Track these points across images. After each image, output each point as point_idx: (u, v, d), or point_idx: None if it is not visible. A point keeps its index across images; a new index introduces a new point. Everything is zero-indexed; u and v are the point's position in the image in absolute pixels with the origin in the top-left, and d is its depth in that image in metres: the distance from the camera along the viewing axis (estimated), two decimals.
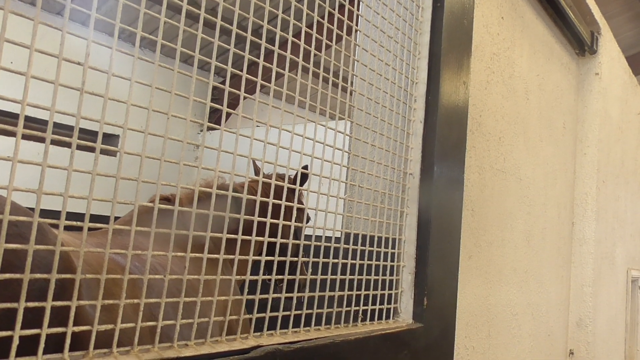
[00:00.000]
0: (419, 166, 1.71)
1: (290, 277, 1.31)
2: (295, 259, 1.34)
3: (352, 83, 1.57)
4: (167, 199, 2.13)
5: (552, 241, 3.11)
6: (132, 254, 1.01)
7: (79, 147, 0.86)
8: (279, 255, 1.28)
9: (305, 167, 2.55)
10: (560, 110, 3.23)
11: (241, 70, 1.14)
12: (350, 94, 1.62)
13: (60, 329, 0.88)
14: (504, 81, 2.45)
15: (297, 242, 1.34)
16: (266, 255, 1.27)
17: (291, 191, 3.04)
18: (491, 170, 2.35)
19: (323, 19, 1.34)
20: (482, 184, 2.26)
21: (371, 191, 1.62)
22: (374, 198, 1.63)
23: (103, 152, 0.94)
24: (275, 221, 1.23)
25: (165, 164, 1.02)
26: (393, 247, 1.67)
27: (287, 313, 1.28)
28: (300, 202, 3.15)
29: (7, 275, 0.80)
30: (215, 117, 6.99)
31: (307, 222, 3.04)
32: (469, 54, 1.94)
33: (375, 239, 1.65)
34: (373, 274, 1.59)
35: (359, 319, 1.50)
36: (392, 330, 1.48)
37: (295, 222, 1.38)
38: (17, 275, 0.82)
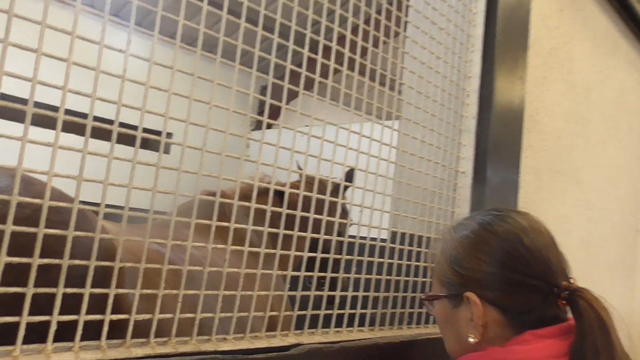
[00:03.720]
0: (471, 164, 1.63)
1: (333, 274, 1.26)
2: (339, 256, 1.30)
3: (401, 76, 1.52)
4: (213, 194, 2.13)
5: (614, 249, 2.92)
6: (172, 244, 1.00)
7: (125, 142, 0.86)
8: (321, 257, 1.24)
9: (351, 172, 2.52)
10: (626, 109, 3.03)
11: (287, 70, 1.11)
12: (399, 92, 1.56)
13: (98, 317, 0.87)
14: (563, 77, 2.32)
15: (340, 239, 1.30)
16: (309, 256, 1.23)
17: (336, 195, 3.00)
18: (548, 172, 2.22)
19: (370, 8, 1.30)
20: (538, 185, 2.13)
21: (420, 189, 1.55)
22: (422, 196, 1.57)
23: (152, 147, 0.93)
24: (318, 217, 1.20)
25: (212, 160, 1.01)
26: None
27: (330, 312, 1.23)
28: (343, 207, 3.11)
29: (47, 261, 0.80)
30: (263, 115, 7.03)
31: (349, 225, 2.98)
32: (525, 47, 1.84)
33: (424, 239, 1.58)
34: (421, 275, 1.52)
35: (405, 322, 1.43)
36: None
37: (339, 226, 1.34)
38: (56, 261, 0.82)
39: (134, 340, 0.92)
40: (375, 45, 1.34)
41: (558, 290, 0.89)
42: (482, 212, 1.04)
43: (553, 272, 0.91)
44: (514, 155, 1.80)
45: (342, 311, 1.26)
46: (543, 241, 0.93)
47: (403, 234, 1.51)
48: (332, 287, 1.38)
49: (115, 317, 0.89)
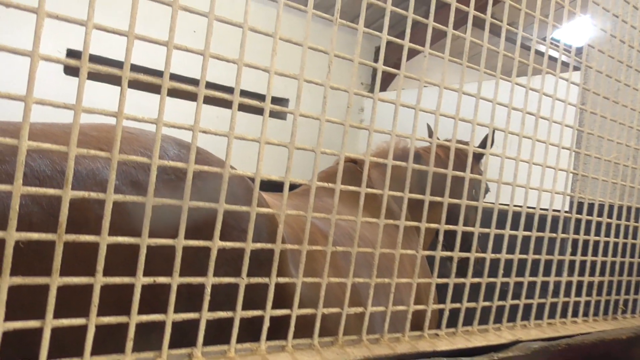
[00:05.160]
0: None
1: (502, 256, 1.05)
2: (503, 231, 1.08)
3: None
4: (354, 161, 1.99)
5: None
6: (336, 218, 0.84)
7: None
8: (457, 231, 1.01)
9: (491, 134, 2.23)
10: None
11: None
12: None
13: (257, 312, 0.72)
14: None
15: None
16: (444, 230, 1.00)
17: (476, 159, 2.75)
18: None
19: None
20: None
21: (614, 144, 1.28)
22: (617, 154, 1.29)
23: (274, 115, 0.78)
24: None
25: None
26: None
27: (542, 301, 1.03)
28: (479, 171, 2.84)
29: (230, 243, 0.67)
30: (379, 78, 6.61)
31: (486, 193, 2.72)
32: None
33: (616, 208, 1.31)
34: (628, 255, 1.26)
35: (620, 311, 1.20)
36: None
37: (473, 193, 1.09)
38: (204, 243, 0.68)
39: (296, 341, 0.77)
40: None
41: None
42: None
43: None
44: None
45: (555, 299, 1.05)
46: None
47: (591, 204, 1.25)
48: (461, 271, 1.15)
49: (274, 312, 0.73)
